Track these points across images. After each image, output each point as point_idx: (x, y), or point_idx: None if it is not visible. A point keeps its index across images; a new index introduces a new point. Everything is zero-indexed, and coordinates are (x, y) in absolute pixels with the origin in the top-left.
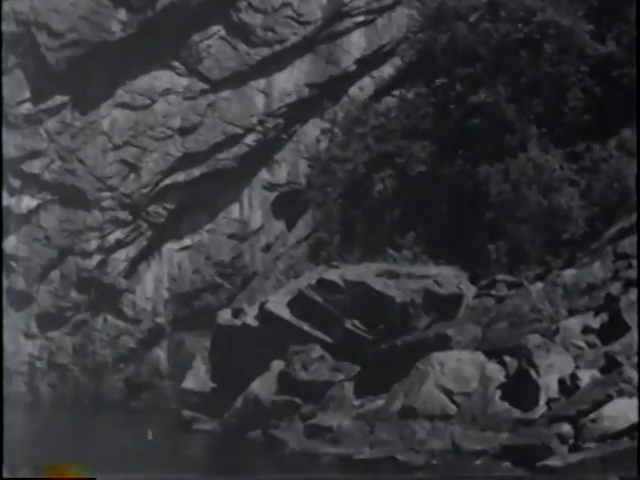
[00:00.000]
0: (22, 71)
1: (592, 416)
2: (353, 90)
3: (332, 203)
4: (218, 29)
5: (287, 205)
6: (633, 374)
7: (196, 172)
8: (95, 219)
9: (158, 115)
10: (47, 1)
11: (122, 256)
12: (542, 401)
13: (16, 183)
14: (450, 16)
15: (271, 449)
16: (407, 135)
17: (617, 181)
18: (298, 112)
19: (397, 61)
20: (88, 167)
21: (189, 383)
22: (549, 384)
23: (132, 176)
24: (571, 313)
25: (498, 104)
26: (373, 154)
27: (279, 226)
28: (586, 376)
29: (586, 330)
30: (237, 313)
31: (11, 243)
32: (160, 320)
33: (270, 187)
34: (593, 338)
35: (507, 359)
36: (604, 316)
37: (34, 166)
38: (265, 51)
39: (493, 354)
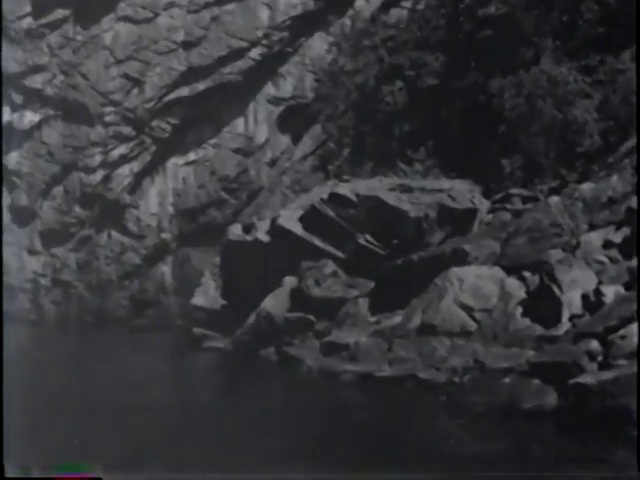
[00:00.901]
0: None
1: (621, 333)
2: (359, 3)
3: (341, 116)
4: None
5: (293, 119)
6: None
7: (200, 86)
8: (98, 134)
9: (161, 29)
10: None
11: (126, 171)
12: (565, 317)
13: (18, 99)
14: None
15: (286, 367)
16: (419, 47)
17: (632, 94)
18: (304, 25)
19: None
20: (91, 82)
21: (198, 300)
22: (572, 300)
23: (135, 91)
24: (592, 227)
25: (512, 16)
26: (385, 66)
27: (285, 140)
28: (610, 292)
29: (607, 245)
30: (248, 228)
31: (14, 159)
32: (165, 236)
33: (275, 101)
34: (615, 253)
35: (527, 275)
36: (626, 230)
37: (36, 81)
38: None
39: (512, 270)
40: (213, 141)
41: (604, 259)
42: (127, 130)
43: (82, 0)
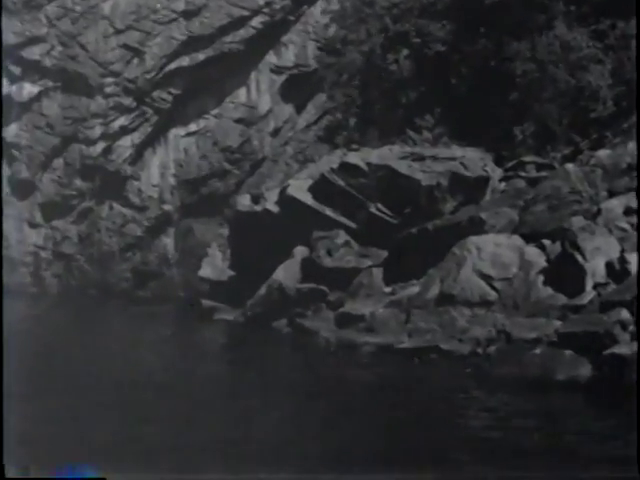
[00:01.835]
0: None
1: None
2: None
3: (346, 84)
4: None
5: (296, 88)
6: None
7: (201, 56)
8: (98, 105)
9: None
10: None
11: (127, 143)
12: (589, 286)
13: (17, 70)
14: None
15: (300, 338)
16: (425, 14)
17: None
18: None
19: None
20: (90, 52)
21: (206, 271)
22: (596, 268)
23: (135, 61)
24: (611, 194)
25: None
26: (390, 34)
27: (288, 110)
28: (634, 259)
29: (628, 211)
30: (257, 199)
31: (13, 131)
32: (167, 207)
33: (278, 70)
34: (636, 220)
35: (546, 243)
36: None
37: (34, 52)
38: None
39: (532, 238)
40: (215, 111)
41: (626, 226)
42: (127, 101)
43: None
